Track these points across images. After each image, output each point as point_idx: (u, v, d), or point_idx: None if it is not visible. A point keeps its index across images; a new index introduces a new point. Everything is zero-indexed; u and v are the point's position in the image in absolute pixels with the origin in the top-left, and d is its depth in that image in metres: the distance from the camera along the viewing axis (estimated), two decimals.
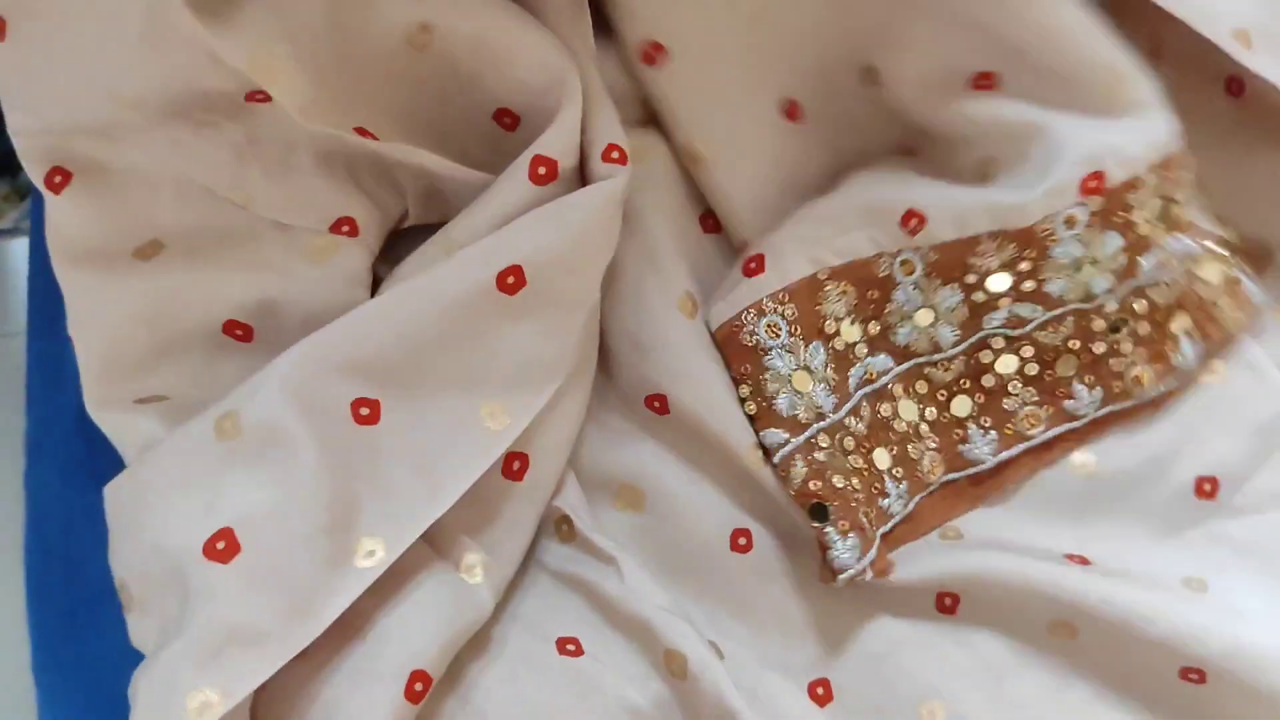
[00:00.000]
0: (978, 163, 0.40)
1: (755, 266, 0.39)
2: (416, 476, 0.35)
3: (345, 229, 0.39)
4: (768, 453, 0.39)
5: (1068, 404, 0.40)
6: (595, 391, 0.40)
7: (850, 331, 0.39)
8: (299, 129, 0.36)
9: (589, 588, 0.38)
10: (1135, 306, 0.40)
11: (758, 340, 0.38)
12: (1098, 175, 0.38)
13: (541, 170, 0.36)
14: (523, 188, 0.36)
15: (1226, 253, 0.42)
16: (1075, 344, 0.40)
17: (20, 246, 0.95)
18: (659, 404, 0.39)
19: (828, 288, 0.39)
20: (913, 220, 0.39)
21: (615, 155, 0.36)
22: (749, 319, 0.38)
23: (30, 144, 0.35)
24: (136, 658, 0.34)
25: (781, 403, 0.38)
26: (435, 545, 0.37)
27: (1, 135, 0.56)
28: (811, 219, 0.40)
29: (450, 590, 0.36)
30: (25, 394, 0.41)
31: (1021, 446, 0.40)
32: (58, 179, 0.36)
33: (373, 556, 0.33)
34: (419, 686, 0.34)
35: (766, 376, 0.38)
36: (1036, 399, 0.40)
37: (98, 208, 0.36)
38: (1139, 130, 0.39)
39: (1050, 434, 0.40)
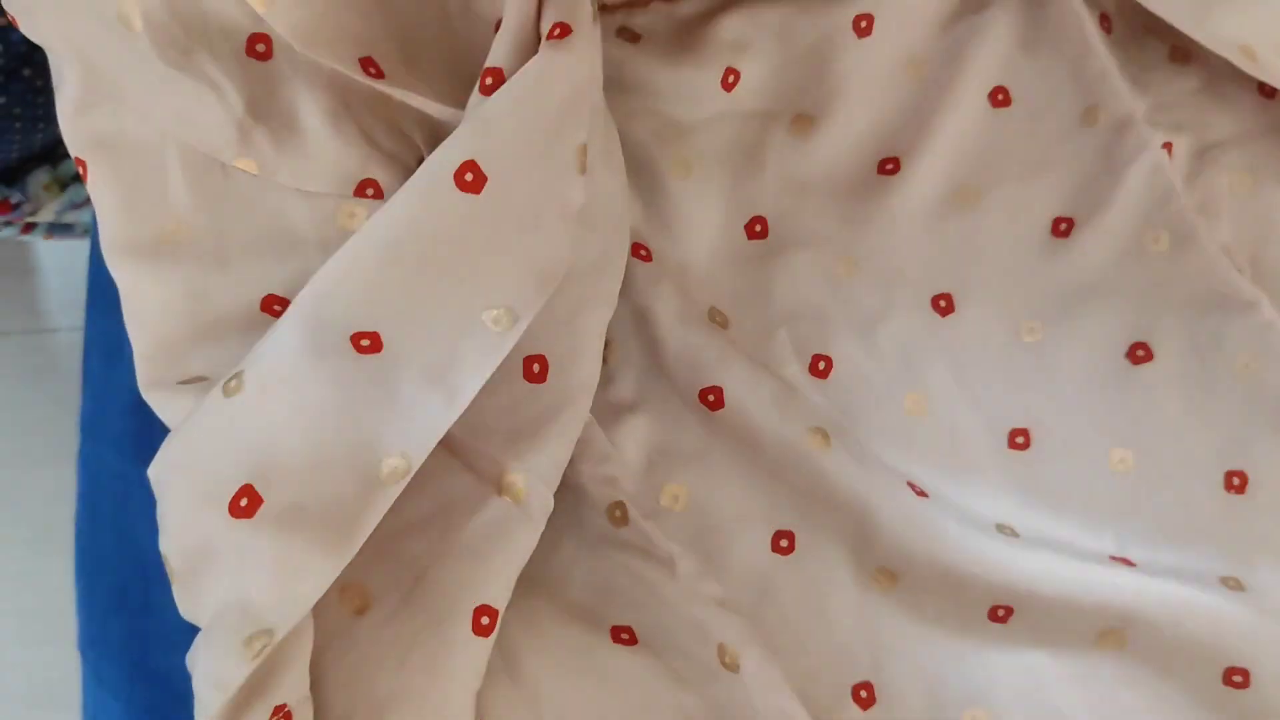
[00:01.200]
0: None
1: None
2: (429, 387, 0.34)
3: (370, 191, 0.39)
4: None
5: None
6: (654, 393, 0.40)
7: None
8: (301, 86, 0.36)
9: (641, 576, 0.38)
10: None
11: None
12: None
13: (489, 81, 0.35)
14: (477, 101, 0.35)
15: None
16: None
17: (51, 245, 0.96)
18: (714, 397, 0.39)
19: None
20: None
21: (557, 32, 0.35)
22: None
23: (66, 131, 0.36)
24: (185, 635, 0.34)
25: None
26: (476, 469, 0.37)
27: (40, 124, 0.57)
28: None
29: (499, 522, 0.36)
30: (82, 373, 0.41)
31: None
32: (81, 170, 0.36)
33: (396, 471, 0.34)
34: (485, 620, 0.35)
35: None
36: None
37: (115, 193, 0.36)
38: None
39: None
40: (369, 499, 0.33)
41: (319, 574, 0.33)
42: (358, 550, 0.33)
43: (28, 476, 0.88)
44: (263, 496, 0.33)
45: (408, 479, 0.34)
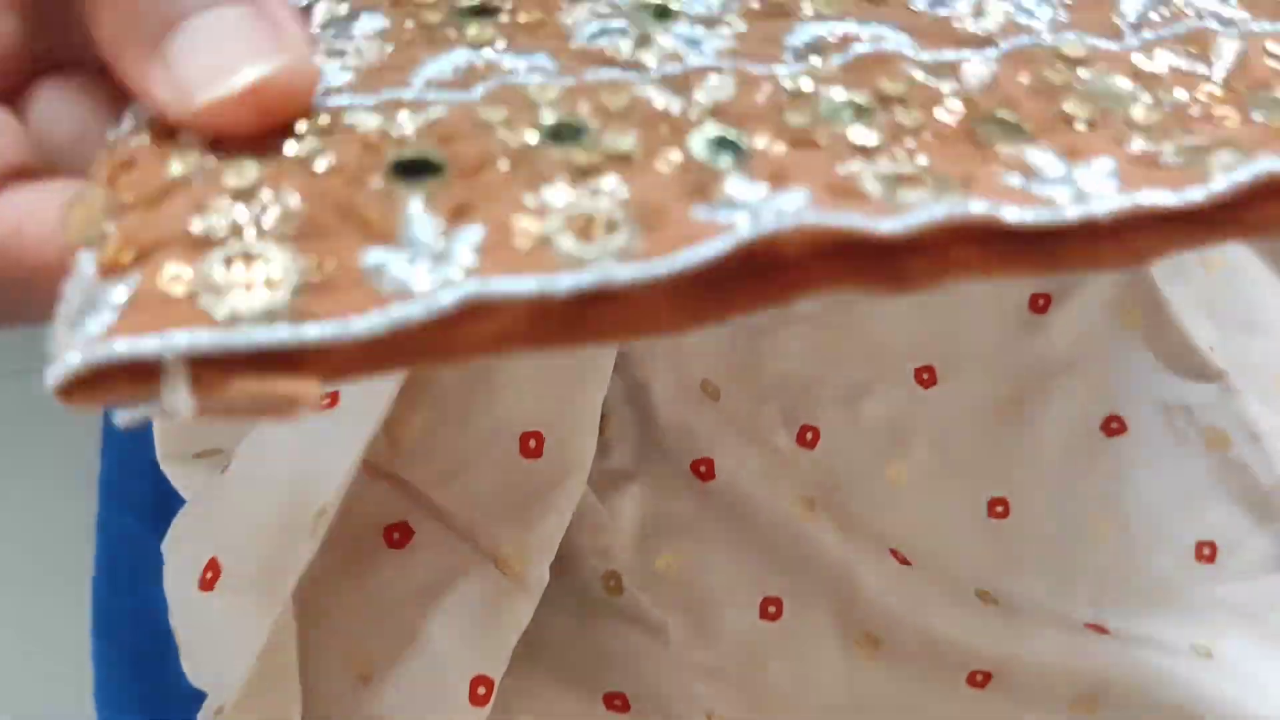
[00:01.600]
0: None
1: None
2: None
3: None
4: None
5: None
6: (650, 463, 0.42)
7: None
8: None
9: (634, 644, 0.39)
10: None
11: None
12: None
13: None
14: None
15: None
16: None
17: None
18: (705, 468, 0.41)
19: None
20: None
21: None
22: None
23: None
24: (199, 699, 0.35)
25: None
26: (472, 542, 0.38)
27: None
28: None
29: (496, 594, 0.37)
30: (102, 437, 0.43)
31: None
32: None
33: (321, 518, 0.34)
34: (482, 690, 0.36)
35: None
36: None
37: None
38: None
39: None
40: (298, 552, 0.34)
41: (255, 636, 0.33)
42: (281, 604, 0.34)
43: (33, 515, 0.89)
44: (221, 568, 0.34)
45: (327, 523, 0.34)
